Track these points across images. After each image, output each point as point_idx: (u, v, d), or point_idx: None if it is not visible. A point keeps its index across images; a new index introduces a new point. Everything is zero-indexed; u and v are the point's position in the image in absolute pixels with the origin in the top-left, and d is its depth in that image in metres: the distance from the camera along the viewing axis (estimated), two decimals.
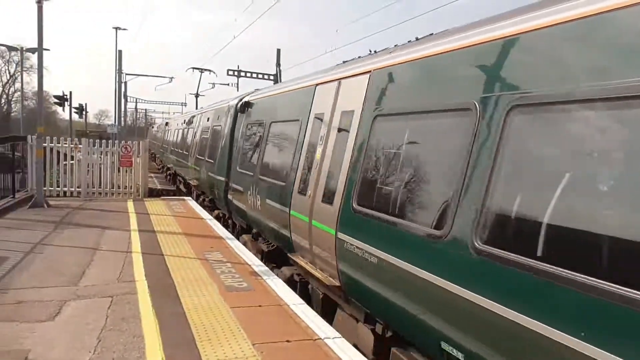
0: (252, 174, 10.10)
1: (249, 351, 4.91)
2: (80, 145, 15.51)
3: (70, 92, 33.48)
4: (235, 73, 40.48)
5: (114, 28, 41.45)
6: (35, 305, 6.04)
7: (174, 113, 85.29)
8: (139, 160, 15.95)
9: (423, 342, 4.75)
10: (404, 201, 4.94)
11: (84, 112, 38.91)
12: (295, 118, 8.39)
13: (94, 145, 15.59)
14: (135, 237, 9.83)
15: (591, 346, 2.83)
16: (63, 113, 49.68)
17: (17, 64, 62.13)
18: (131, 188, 15.81)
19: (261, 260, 9.09)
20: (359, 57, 7.32)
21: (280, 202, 8.28)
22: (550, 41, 3.60)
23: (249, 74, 39.88)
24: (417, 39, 6.05)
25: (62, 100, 29.98)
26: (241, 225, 11.68)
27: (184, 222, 11.70)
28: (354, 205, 5.79)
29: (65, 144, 15.53)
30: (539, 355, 3.22)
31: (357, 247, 5.60)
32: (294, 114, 8.59)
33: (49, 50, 38.61)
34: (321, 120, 7.37)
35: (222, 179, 12.60)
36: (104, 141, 15.97)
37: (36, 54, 14.45)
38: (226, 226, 12.41)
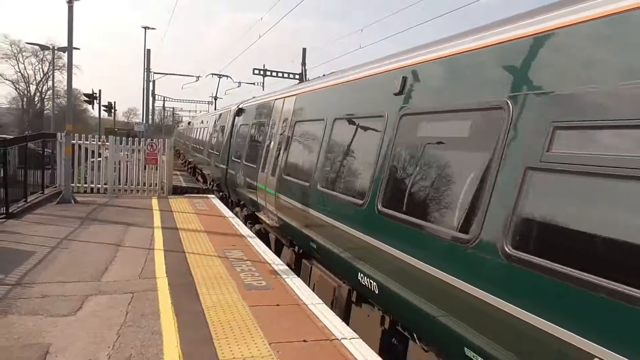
0: (239, 161, 13.92)
1: (265, 350, 4.91)
2: (107, 143, 15.78)
3: (100, 91, 34.19)
4: (261, 72, 40.69)
5: (142, 27, 42.11)
6: (59, 299, 6.16)
7: (200, 111, 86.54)
8: (164, 158, 16.14)
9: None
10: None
11: (112, 110, 39.59)
12: (266, 121, 11.60)
13: (120, 143, 15.84)
14: (158, 234, 9.95)
15: None
16: (93, 111, 50.71)
17: (50, 63, 63.51)
18: (156, 185, 16.01)
19: (245, 223, 12.32)
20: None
21: (252, 179, 12.02)
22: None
23: (274, 73, 40.02)
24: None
25: (91, 98, 30.57)
26: (235, 201, 15.18)
27: (206, 220, 11.80)
28: (283, 175, 9.54)
29: (93, 141, 15.82)
30: None
31: (283, 199, 9.34)
32: (266, 119, 12.18)
33: (78, 49, 39.42)
34: (275, 123, 11.13)
35: (224, 166, 16.28)
36: (130, 139, 16.22)
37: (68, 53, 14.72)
38: (226, 204, 15.62)
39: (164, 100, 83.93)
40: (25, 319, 5.51)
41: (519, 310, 3.46)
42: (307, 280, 8.09)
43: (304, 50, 40.32)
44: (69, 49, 14.44)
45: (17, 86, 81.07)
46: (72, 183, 14.51)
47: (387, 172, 5.70)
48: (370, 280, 5.71)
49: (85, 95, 31.57)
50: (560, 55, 3.74)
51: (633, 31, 3.16)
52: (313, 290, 7.33)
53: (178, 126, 68.75)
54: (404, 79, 5.75)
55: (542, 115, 3.67)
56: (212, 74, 46.54)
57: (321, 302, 6.55)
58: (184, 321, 5.56)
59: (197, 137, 29.80)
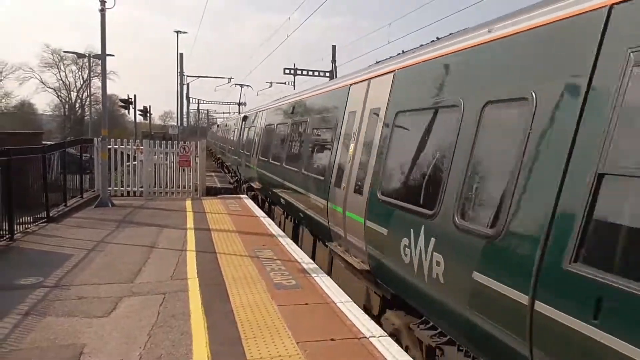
0: (242, 151, 20.14)
1: (292, 349, 4.93)
2: (142, 147, 16.14)
3: (135, 96, 34.99)
4: (292, 71, 40.85)
5: (175, 32, 42.88)
6: (94, 301, 6.33)
7: (233, 113, 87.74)
8: (197, 160, 16.40)
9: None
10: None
11: (148, 114, 40.45)
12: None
13: (154, 146, 16.17)
14: (190, 236, 10.12)
15: None
16: (130, 115, 52.00)
17: (90, 70, 65.44)
18: (190, 187, 16.28)
19: (246, 193, 16.67)
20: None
21: (249, 162, 17.59)
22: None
23: (304, 72, 40.12)
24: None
25: (127, 103, 31.35)
26: (241, 180, 20.48)
27: (238, 220, 11.93)
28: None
29: (129, 145, 16.20)
30: None
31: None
32: (255, 125, 17.96)
33: (112, 55, 40.51)
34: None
35: (236, 157, 23.14)
36: (163, 142, 16.54)
37: (108, 60, 15.12)
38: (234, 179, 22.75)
39: (198, 103, 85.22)
40: (61, 320, 5.69)
41: None
42: None
43: (334, 47, 40.27)
44: (102, 56, 14.81)
45: (59, 94, 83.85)
46: (110, 187, 14.90)
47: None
48: None
49: (121, 100, 32.36)
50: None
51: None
52: None
53: (211, 128, 69.90)
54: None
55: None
56: (236, 84, 50.62)
57: (349, 300, 6.53)
58: (213, 321, 5.64)
59: (222, 137, 34.97)
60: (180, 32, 43.06)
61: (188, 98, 70.19)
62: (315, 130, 10.07)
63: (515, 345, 3.65)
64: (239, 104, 69.46)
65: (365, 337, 5.30)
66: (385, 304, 6.52)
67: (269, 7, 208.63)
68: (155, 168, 16.10)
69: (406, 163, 5.96)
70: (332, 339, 5.23)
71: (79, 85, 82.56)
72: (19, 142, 13.09)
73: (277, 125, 13.83)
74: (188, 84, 54.60)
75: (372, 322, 5.82)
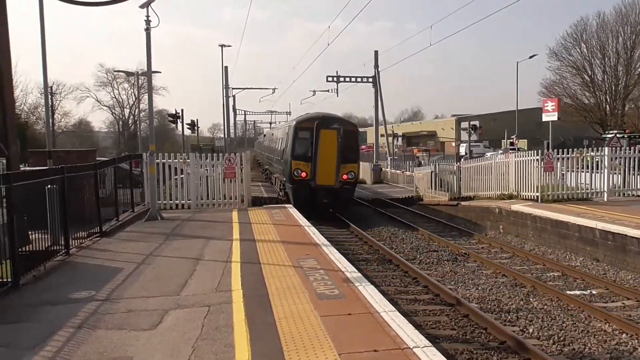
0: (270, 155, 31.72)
1: None
2: (188, 160, 16.53)
3: (182, 110, 36.01)
4: (335, 79, 40.98)
5: (219, 45, 43.91)
6: (142, 314, 6.49)
7: (279, 122, 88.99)
8: (242, 171, 16.64)
9: None
10: None
11: (195, 128, 41.50)
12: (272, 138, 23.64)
13: (200, 159, 16.53)
14: (236, 247, 10.25)
15: None
16: (179, 129, 53.52)
17: (141, 87, 67.99)
18: (236, 198, 16.53)
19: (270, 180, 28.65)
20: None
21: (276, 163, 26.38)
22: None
23: (347, 79, 40.13)
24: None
25: (175, 118, 32.25)
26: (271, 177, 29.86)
27: (282, 230, 12.01)
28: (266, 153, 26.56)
29: (176, 159, 16.62)
30: None
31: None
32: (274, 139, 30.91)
33: (159, 72, 41.72)
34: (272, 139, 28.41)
35: (266, 160, 33.65)
36: (209, 154, 16.89)
37: (158, 76, 15.63)
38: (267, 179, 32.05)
39: (245, 114, 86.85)
40: (111, 333, 5.86)
41: None
42: None
43: (376, 52, 40.22)
44: (149, 73, 15.31)
45: (113, 111, 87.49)
46: (159, 200, 15.32)
47: None
48: None
49: (169, 115, 33.38)
50: None
51: None
52: None
53: (257, 138, 71.15)
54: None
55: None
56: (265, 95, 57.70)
57: (394, 309, 6.43)
58: (256, 333, 5.66)
59: (264, 147, 40.00)
60: (225, 45, 44.09)
61: (235, 110, 71.57)
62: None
63: None
64: (287, 113, 71.27)
65: (409, 348, 5.20)
66: None
67: (313, 16, 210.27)
68: (201, 180, 16.45)
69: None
70: (375, 350, 5.15)
71: (132, 102, 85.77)
72: (74, 160, 13.71)
73: (275, 139, 29.31)
74: (234, 96, 55.62)
75: (417, 331, 5.70)
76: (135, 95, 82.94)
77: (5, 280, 7.67)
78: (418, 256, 13.51)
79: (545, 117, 27.78)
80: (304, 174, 19.41)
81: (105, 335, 5.82)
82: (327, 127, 19.39)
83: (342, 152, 19.28)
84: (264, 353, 5.14)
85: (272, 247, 10.09)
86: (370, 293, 7.05)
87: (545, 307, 9.26)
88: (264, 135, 44.73)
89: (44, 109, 24.57)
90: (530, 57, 45.24)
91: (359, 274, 8.10)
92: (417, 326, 7.84)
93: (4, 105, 11.43)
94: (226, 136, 42.23)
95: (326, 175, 19.26)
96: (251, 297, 6.97)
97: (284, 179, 21.22)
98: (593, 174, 17.72)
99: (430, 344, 5.35)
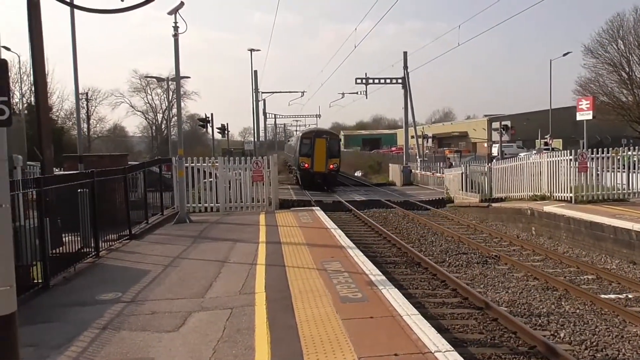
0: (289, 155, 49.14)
1: None
2: (217, 164, 16.71)
3: (212, 114, 36.48)
4: (363, 81, 40.87)
5: (249, 50, 44.29)
6: (165, 316, 6.56)
7: (309, 125, 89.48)
8: (270, 174, 16.71)
9: None
10: None
11: (226, 132, 41.98)
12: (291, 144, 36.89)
13: (228, 162, 16.69)
14: (261, 249, 10.29)
15: None
16: (209, 134, 54.32)
17: (172, 92, 69.21)
18: (264, 201, 16.61)
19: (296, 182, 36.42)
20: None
21: (292, 159, 42.71)
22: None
23: (376, 80, 39.95)
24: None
25: (205, 122, 32.69)
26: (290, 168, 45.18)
27: (308, 233, 12.00)
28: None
29: (204, 163, 16.82)
30: None
31: None
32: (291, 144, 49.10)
33: (188, 77, 42.58)
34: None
35: (288, 158, 50.07)
36: (237, 158, 17.04)
37: (189, 81, 15.86)
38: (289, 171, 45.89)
39: (274, 118, 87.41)
40: (135, 335, 5.94)
41: None
42: None
43: (405, 53, 39.93)
44: (177, 78, 15.54)
45: (147, 116, 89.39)
46: (188, 203, 15.51)
47: None
48: None
49: (200, 120, 33.85)
50: None
51: None
52: None
53: (287, 141, 71.87)
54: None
55: None
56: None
57: (416, 312, 6.33)
58: (277, 336, 5.65)
59: (290, 149, 48.78)
60: (254, 49, 44.43)
61: (265, 113, 72.13)
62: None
63: None
64: (317, 116, 72.10)
65: (431, 352, 5.10)
66: None
67: (341, 18, 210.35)
68: (230, 184, 16.59)
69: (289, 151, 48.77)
70: (395, 354, 5.07)
71: (164, 107, 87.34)
72: (106, 164, 13.99)
73: (292, 144, 43.33)
74: (264, 100, 56.06)
75: (439, 335, 5.60)
76: (168, 100, 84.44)
77: (36, 281, 7.89)
78: (447, 259, 13.29)
79: (579, 116, 27.00)
80: (306, 165, 32.32)
81: (129, 336, 5.90)
82: (320, 137, 32.59)
83: (329, 152, 32.22)
84: (283, 356, 5.12)
85: (297, 250, 10.09)
86: (393, 296, 6.96)
87: (578, 311, 8.97)
88: (288, 141, 62.52)
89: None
90: (564, 54, 44.28)
91: (384, 277, 8.01)
92: (444, 330, 7.71)
93: (39, 111, 11.78)
94: (256, 140, 42.72)
95: (319, 166, 32.02)
96: (274, 299, 6.97)
97: (295, 168, 36.98)
98: (630, 174, 17.15)
99: (452, 349, 5.24)
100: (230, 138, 59.60)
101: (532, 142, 57.17)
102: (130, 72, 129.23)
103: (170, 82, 48.29)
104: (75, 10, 18.42)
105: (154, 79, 65.69)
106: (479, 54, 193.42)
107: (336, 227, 12.88)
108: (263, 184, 16.63)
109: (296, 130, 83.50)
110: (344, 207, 23.13)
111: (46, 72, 12.96)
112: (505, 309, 9.06)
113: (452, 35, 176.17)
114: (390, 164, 46.91)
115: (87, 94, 65.00)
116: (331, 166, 32.13)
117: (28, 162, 15.44)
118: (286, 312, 6.45)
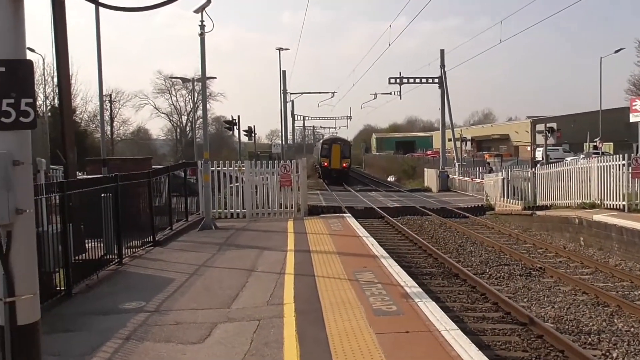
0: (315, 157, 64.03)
1: None
2: (243, 168, 16.83)
3: (238, 116, 36.84)
4: (397, 80, 40.70)
5: (277, 49, 44.66)
6: (190, 327, 6.62)
7: (339, 128, 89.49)
8: (299, 179, 16.73)
9: None
10: None
11: (252, 134, 42.33)
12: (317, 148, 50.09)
13: (255, 167, 16.79)
14: (290, 258, 10.30)
15: None
16: (235, 136, 55.01)
17: (198, 93, 70.09)
18: (292, 207, 16.64)
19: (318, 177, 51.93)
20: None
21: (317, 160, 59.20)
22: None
23: (410, 80, 39.73)
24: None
25: (231, 124, 33.02)
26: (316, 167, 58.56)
27: (339, 241, 11.97)
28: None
29: (231, 167, 16.95)
30: None
31: None
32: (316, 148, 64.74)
33: (214, 78, 42.87)
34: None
35: (315, 158, 62.13)
36: (264, 162, 17.14)
37: (215, 82, 16.10)
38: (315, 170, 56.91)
39: (303, 120, 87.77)
40: (158, 346, 6.00)
41: None
42: None
43: (442, 51, 39.65)
44: (203, 79, 15.77)
45: (171, 118, 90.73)
46: (213, 209, 15.66)
47: None
48: None
49: (225, 122, 34.19)
50: None
51: None
52: None
53: (316, 144, 72.13)
54: None
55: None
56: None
57: (456, 327, 6.23)
58: (306, 350, 5.63)
59: (316, 151, 62.46)
60: (282, 49, 44.77)
61: (293, 115, 72.54)
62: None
63: None
64: (347, 117, 73.10)
65: None
66: None
67: (375, 15, 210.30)
68: (257, 189, 16.68)
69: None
70: None
71: (189, 109, 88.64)
72: (130, 168, 14.26)
73: (316, 148, 61.76)
74: (292, 101, 56.42)
75: (480, 352, 5.49)
76: (193, 101, 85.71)
77: (59, 288, 8.06)
78: (487, 270, 13.08)
79: (633, 118, 26.32)
80: (325, 164, 49.36)
81: (153, 347, 5.97)
82: (335, 143, 50.74)
83: (342, 154, 49.21)
84: None
85: (327, 259, 10.07)
86: (430, 310, 6.87)
87: (632, 329, 8.69)
88: (315, 146, 72.27)
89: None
90: (616, 51, 43.24)
91: (419, 289, 7.92)
92: (485, 346, 7.56)
93: (62, 114, 12.08)
94: (284, 143, 43.04)
95: (335, 164, 48.63)
96: (303, 311, 6.96)
97: (318, 166, 53.74)
98: None
99: None
100: (257, 141, 60.11)
101: (579, 145, 55.96)
102: (154, 73, 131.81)
103: (195, 83, 48.92)
104: (101, 10, 18.88)
105: (179, 80, 66.66)
106: (523, 51, 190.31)
107: (368, 235, 12.83)
108: (291, 189, 16.67)
109: (325, 134, 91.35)
110: (376, 213, 23.04)
111: (70, 74, 13.29)
112: (552, 325, 8.86)
113: (494, 32, 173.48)
114: (425, 169, 46.55)
115: (110, 95, 66.36)
116: (344, 165, 49.35)
117: (51, 166, 15.83)
118: (316, 324, 6.43)
